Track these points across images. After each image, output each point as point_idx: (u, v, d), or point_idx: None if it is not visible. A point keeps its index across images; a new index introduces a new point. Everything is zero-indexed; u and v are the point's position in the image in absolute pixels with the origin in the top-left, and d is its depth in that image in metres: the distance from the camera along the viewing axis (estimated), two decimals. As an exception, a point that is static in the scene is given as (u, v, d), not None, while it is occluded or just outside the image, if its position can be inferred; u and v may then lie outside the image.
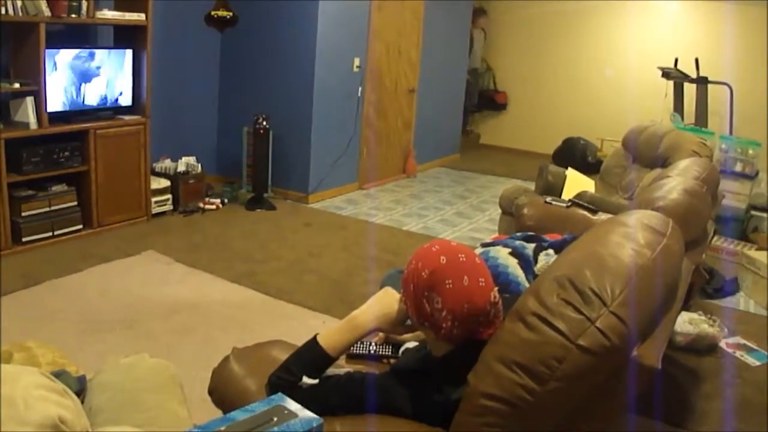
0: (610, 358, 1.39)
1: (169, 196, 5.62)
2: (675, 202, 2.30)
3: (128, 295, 4.03)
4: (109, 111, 5.08)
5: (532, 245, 2.74)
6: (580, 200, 4.33)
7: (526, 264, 2.59)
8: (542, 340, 1.40)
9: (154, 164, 5.68)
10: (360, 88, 6.82)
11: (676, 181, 2.56)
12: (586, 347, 1.36)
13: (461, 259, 1.63)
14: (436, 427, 1.61)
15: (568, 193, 4.94)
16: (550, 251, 2.67)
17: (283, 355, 1.88)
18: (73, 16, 4.57)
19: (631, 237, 1.67)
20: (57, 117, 4.68)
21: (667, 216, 2.00)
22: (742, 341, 4.09)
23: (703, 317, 4.04)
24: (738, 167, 6.01)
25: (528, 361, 1.40)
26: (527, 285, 2.42)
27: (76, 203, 4.88)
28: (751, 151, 6.03)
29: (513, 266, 2.58)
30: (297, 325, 3.79)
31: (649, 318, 1.51)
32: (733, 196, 5.83)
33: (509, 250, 2.67)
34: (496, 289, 1.64)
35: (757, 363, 3.84)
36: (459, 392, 1.56)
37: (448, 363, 1.66)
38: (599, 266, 1.50)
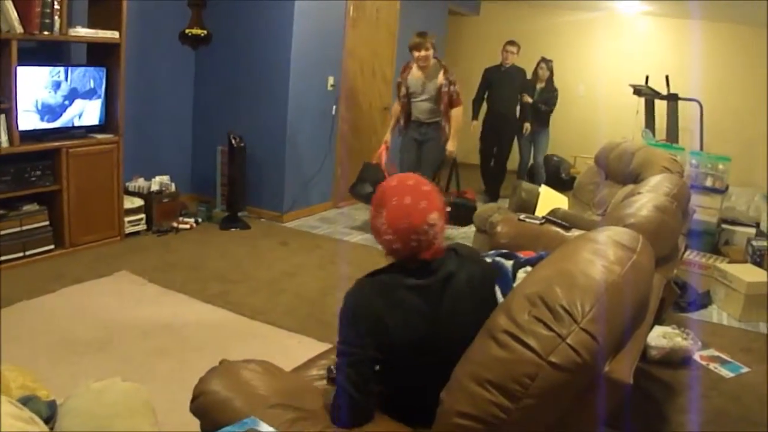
0: (582, 375, 1.40)
1: (143, 215, 5.57)
2: (646, 219, 2.32)
3: (102, 317, 3.97)
4: (81, 129, 5.03)
5: (510, 262, 2.75)
6: (554, 217, 4.36)
7: (505, 279, 2.59)
8: (514, 358, 1.41)
9: (127, 183, 5.64)
10: (334, 107, 6.84)
11: (647, 198, 2.58)
12: (558, 364, 1.37)
13: (409, 183, 1.87)
14: None
15: (541, 210, 4.97)
16: (528, 268, 2.66)
17: (269, 374, 1.92)
18: (46, 33, 4.53)
19: (602, 254, 1.68)
20: (28, 135, 4.63)
21: (638, 232, 2.02)
22: (716, 353, 4.13)
23: (676, 331, 4.08)
24: (708, 182, 6.08)
25: (501, 379, 1.41)
26: (503, 300, 2.41)
27: (47, 223, 4.82)
28: (721, 166, 6.10)
29: (491, 280, 2.59)
30: (272, 346, 3.76)
31: (620, 333, 1.52)
32: (704, 210, 5.90)
33: (489, 261, 2.67)
34: (436, 213, 1.83)
35: (731, 374, 3.87)
36: None
37: (389, 272, 1.87)
38: (570, 283, 1.51)
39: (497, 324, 1.48)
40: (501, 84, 7.83)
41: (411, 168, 6.02)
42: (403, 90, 5.86)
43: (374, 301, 1.80)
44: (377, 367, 1.75)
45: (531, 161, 8.24)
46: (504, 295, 2.51)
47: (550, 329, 1.41)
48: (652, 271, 1.85)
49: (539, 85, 7.87)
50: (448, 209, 5.75)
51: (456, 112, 5.83)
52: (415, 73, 5.79)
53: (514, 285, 2.57)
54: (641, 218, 2.33)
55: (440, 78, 5.72)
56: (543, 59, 7.84)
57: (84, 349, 3.55)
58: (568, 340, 1.39)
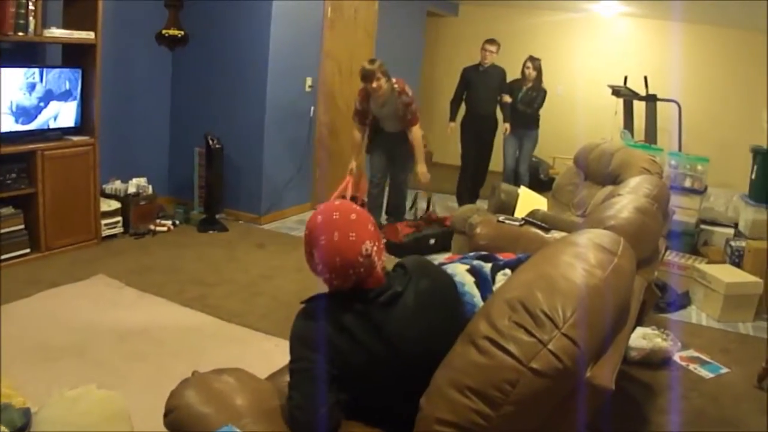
0: (564, 381, 1.38)
1: (120, 218, 5.51)
2: (626, 221, 2.31)
3: (78, 321, 3.91)
4: (57, 132, 4.96)
5: (489, 264, 2.72)
6: (533, 218, 4.35)
7: (484, 282, 2.56)
8: (495, 364, 1.39)
9: (103, 186, 5.58)
10: (312, 108, 6.81)
11: (627, 200, 2.58)
12: (539, 370, 1.36)
13: (334, 217, 1.80)
14: None
15: (520, 212, 4.96)
16: (507, 271, 2.64)
17: (241, 383, 1.87)
18: (20, 34, 4.47)
19: (582, 257, 1.67)
20: (3, 138, 4.54)
21: (618, 235, 2.01)
22: (695, 354, 4.14)
23: (656, 332, 4.08)
24: (687, 183, 6.11)
25: (481, 386, 1.39)
26: (482, 304, 2.39)
27: (23, 226, 4.75)
28: (699, 167, 6.14)
29: (469, 284, 2.54)
30: (250, 349, 3.73)
31: (601, 338, 1.51)
32: (683, 211, 5.93)
33: (467, 266, 2.64)
34: (368, 242, 1.79)
35: (711, 375, 3.88)
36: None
37: (333, 297, 1.86)
38: (550, 288, 1.49)
39: (477, 330, 1.46)
40: (480, 84, 7.48)
41: (381, 171, 6.11)
42: (369, 116, 5.96)
43: (322, 325, 1.79)
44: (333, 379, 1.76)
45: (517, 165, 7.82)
46: (484, 299, 2.49)
47: (531, 335, 1.39)
48: (633, 274, 1.84)
49: (525, 86, 7.46)
50: (432, 241, 5.79)
51: (415, 133, 5.87)
52: (373, 99, 5.84)
53: (494, 288, 2.55)
54: (622, 220, 2.32)
55: (397, 103, 5.76)
56: (530, 58, 7.45)
57: (60, 355, 3.49)
58: (550, 346, 1.37)
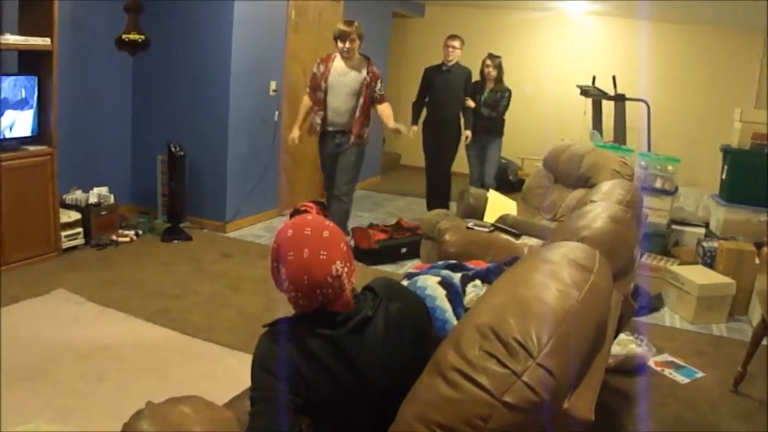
0: (540, 414, 1.28)
1: (80, 229, 5.33)
2: (600, 231, 2.23)
3: (37, 340, 3.75)
4: (13, 141, 4.78)
5: (458, 275, 2.64)
6: (503, 224, 4.30)
7: (455, 296, 2.48)
8: (465, 398, 1.29)
9: (63, 196, 5.40)
10: (277, 113, 6.67)
11: (601, 208, 2.50)
12: (513, 404, 1.26)
13: (306, 232, 1.69)
14: None
15: (490, 216, 4.91)
16: (477, 282, 2.56)
17: (198, 413, 1.76)
18: (-28, 42, 4.31)
19: (557, 276, 1.57)
20: (-45, 150, 4.39)
21: (593, 246, 1.93)
22: (670, 358, 4.10)
23: (630, 337, 4.03)
24: (658, 184, 6.09)
25: (451, 422, 1.29)
26: (454, 319, 2.30)
27: (-22, 241, 4.58)
28: (670, 167, 6.12)
29: (441, 297, 2.45)
30: (214, 366, 3.60)
31: (579, 365, 1.42)
32: (654, 212, 5.91)
33: (438, 279, 2.55)
34: (339, 263, 1.68)
35: (686, 380, 3.85)
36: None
37: (298, 321, 1.74)
38: (523, 312, 1.40)
39: (446, 360, 1.35)
40: (442, 85, 6.84)
41: (333, 176, 5.73)
42: (323, 84, 5.47)
43: (288, 350, 1.68)
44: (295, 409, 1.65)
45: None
46: (456, 312, 2.40)
47: (504, 366, 1.29)
48: (610, 292, 1.76)
49: (488, 87, 6.86)
50: (403, 250, 5.60)
51: (383, 107, 5.54)
52: (337, 66, 5.46)
53: (465, 301, 2.47)
54: (595, 230, 2.24)
55: (364, 72, 5.45)
56: (489, 55, 6.90)
57: (19, 376, 3.33)
58: (524, 378, 1.27)
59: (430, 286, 2.47)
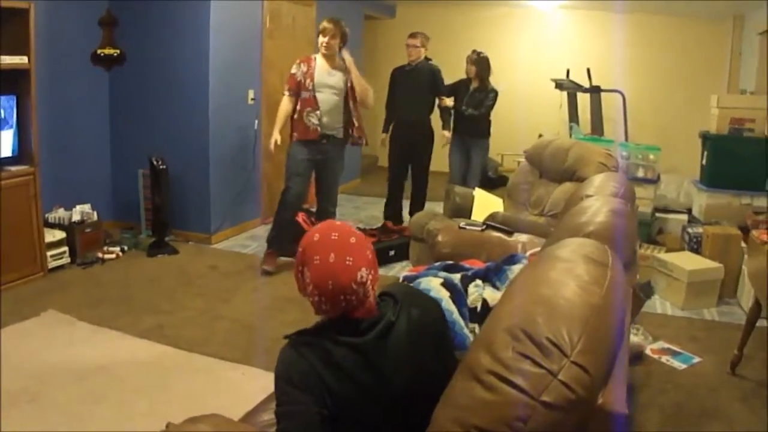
0: (577, 411, 1.29)
1: (66, 248, 5.28)
2: (604, 226, 2.24)
3: (31, 363, 3.70)
4: (-8, 163, 4.74)
5: (458, 275, 2.64)
6: (494, 222, 4.31)
7: (459, 297, 2.48)
8: (503, 400, 1.29)
9: (46, 215, 5.34)
10: (256, 121, 6.64)
11: (600, 202, 2.51)
12: (551, 403, 1.26)
13: (333, 237, 1.70)
14: None
15: (477, 215, 4.92)
16: (478, 282, 2.57)
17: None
18: (-52, 63, 4.25)
19: (574, 273, 1.58)
20: (-66, 175, 4.32)
21: (599, 241, 1.93)
22: (666, 345, 4.14)
23: (626, 327, 4.06)
24: (640, 173, 6.14)
25: (490, 424, 1.28)
26: (461, 320, 2.30)
27: (-38, 265, 4.51)
28: (651, 156, 6.17)
29: (446, 299, 2.47)
30: (216, 380, 3.56)
31: (609, 360, 1.42)
32: (639, 201, 5.94)
33: (441, 280, 2.56)
34: (365, 269, 1.68)
35: (684, 366, 3.89)
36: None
37: (320, 330, 1.73)
38: (551, 311, 1.40)
39: (479, 364, 1.35)
40: (407, 85, 6.50)
41: (305, 190, 5.50)
42: (308, 83, 5.20)
43: (312, 361, 1.66)
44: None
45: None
46: (460, 311, 2.41)
47: (539, 366, 1.29)
48: (627, 285, 1.77)
49: (472, 85, 6.52)
50: (392, 253, 5.55)
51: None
52: (321, 66, 5.27)
53: (468, 301, 2.47)
54: (599, 225, 2.25)
55: (346, 74, 5.32)
56: (473, 52, 6.54)
57: (13, 401, 3.28)
58: (560, 377, 1.27)
59: (435, 288, 2.47)
